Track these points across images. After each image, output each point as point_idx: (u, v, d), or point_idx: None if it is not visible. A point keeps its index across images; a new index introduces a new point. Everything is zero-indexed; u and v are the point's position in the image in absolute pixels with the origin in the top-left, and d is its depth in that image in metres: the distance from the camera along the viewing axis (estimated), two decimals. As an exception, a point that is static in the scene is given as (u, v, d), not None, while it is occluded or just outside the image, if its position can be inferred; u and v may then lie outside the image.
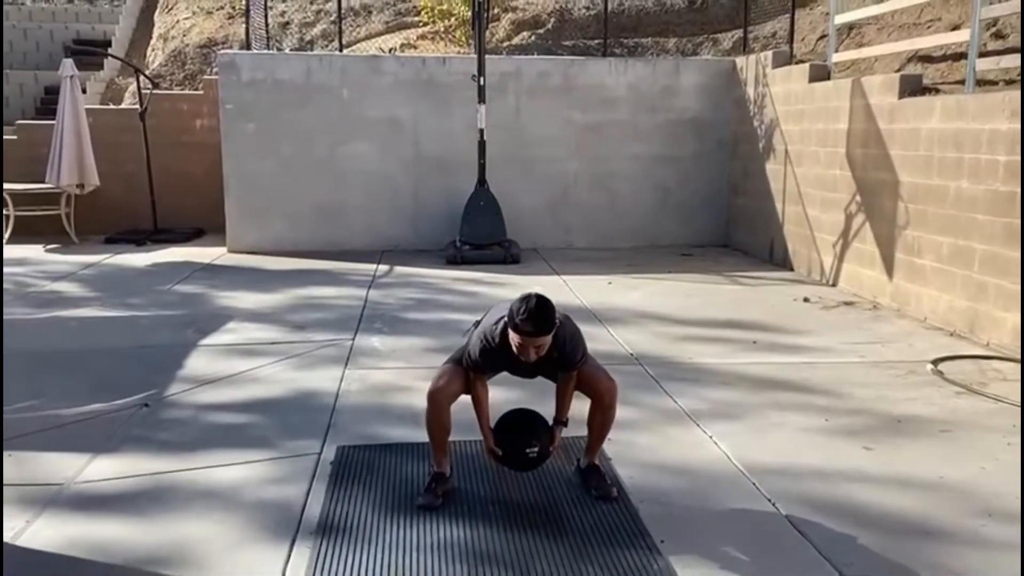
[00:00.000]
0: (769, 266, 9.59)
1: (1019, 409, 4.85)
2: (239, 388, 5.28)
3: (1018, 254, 5.90)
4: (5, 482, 3.92)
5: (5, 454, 4.22)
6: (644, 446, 4.36)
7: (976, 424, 4.64)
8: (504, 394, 5.00)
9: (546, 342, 3.41)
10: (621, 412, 4.78)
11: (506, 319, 3.44)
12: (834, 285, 8.35)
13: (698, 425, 4.64)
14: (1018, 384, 5.29)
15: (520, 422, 3.78)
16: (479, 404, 3.74)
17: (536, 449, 3.69)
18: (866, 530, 3.47)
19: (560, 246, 10.68)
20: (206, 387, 5.29)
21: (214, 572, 3.17)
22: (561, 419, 3.77)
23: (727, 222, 10.97)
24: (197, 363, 5.80)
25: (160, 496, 3.80)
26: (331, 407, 4.92)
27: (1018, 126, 5.93)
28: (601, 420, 3.79)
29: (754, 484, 3.89)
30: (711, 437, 4.47)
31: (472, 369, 3.66)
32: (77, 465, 4.11)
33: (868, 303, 7.60)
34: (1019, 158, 5.88)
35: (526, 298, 3.38)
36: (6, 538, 3.43)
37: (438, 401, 3.66)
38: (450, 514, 3.59)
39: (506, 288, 7.84)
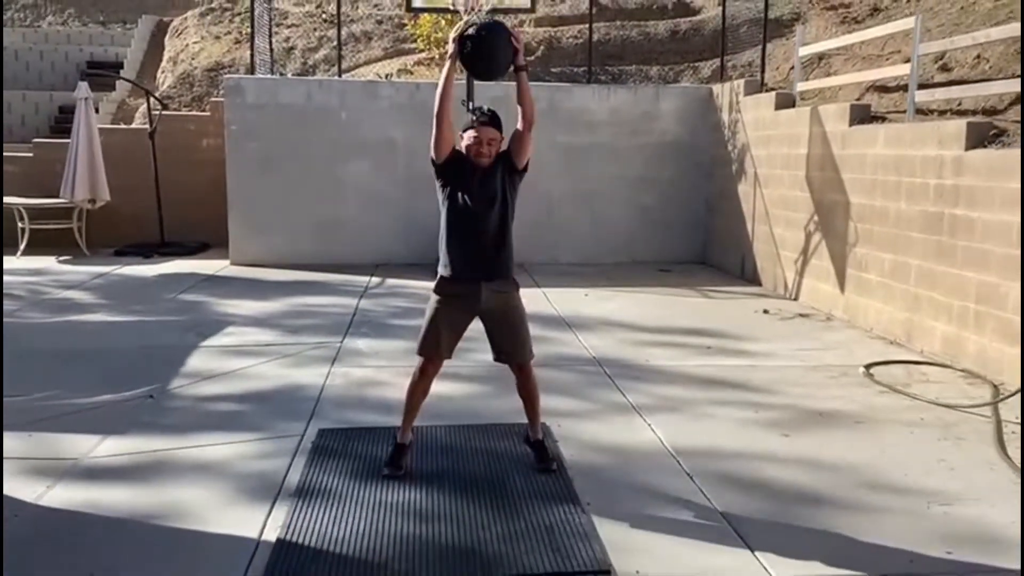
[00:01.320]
0: (740, 281, 10.18)
1: (931, 405, 5.43)
2: (234, 382, 5.89)
3: (945, 268, 6.49)
4: (28, 456, 4.53)
5: (27, 435, 4.83)
6: (588, 431, 4.95)
7: (888, 419, 5.22)
8: (471, 388, 5.63)
9: (497, 139, 4.15)
10: (573, 403, 5.44)
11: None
12: (796, 299, 8.94)
13: (640, 415, 5.23)
14: (938, 385, 5.88)
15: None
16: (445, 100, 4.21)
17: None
18: (767, 499, 4.05)
19: (546, 262, 11.27)
20: (205, 381, 5.90)
21: (204, 524, 3.77)
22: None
23: (704, 240, 11.59)
24: (198, 361, 6.41)
25: (161, 468, 4.40)
26: (316, 398, 5.52)
27: (945, 152, 6.53)
28: (528, 391, 4.39)
29: (678, 462, 4.48)
30: (649, 425, 5.05)
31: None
32: (90, 444, 4.71)
33: (823, 315, 8.19)
34: (950, 182, 6.48)
35: (479, 106, 4.24)
36: (29, 499, 4.03)
37: (428, 373, 4.29)
38: (411, 481, 4.19)
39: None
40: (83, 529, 3.73)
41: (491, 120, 4.16)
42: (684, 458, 4.53)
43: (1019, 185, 5.76)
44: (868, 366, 6.30)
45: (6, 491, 4.08)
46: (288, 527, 3.71)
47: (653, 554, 3.52)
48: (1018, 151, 5.88)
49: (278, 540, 3.60)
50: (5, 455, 4.49)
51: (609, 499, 4.02)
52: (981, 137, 6.40)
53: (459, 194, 4.19)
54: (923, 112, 7.69)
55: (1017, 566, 3.42)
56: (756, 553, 3.52)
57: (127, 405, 5.39)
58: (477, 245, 4.19)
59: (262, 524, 3.76)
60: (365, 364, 6.35)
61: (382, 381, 5.88)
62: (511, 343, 4.30)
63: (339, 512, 3.86)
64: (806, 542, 3.63)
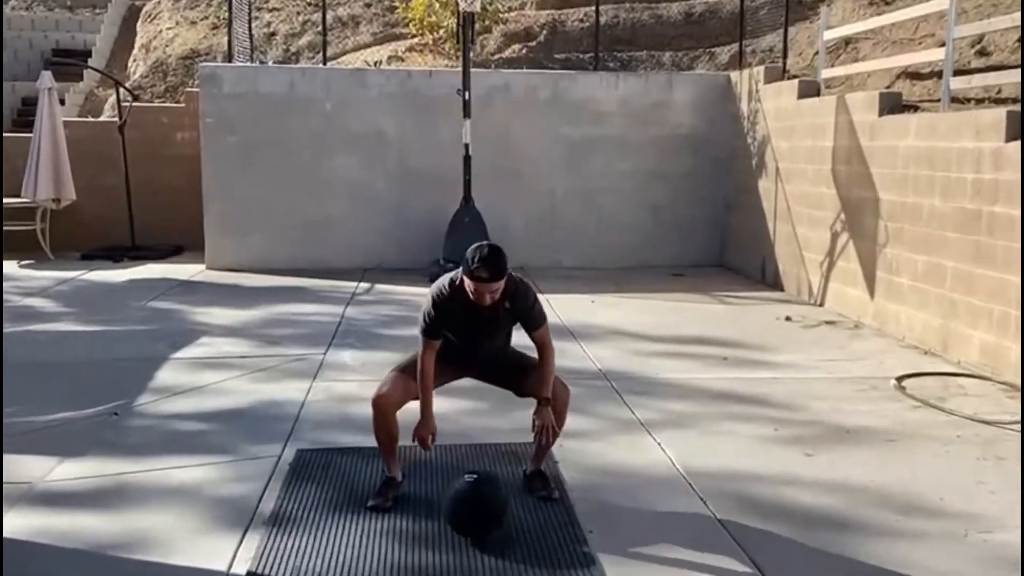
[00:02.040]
0: (761, 286, 10.13)
1: (968, 421, 5.37)
2: (207, 398, 5.84)
3: (984, 271, 6.43)
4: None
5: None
6: (592, 451, 4.90)
7: (921, 435, 5.16)
8: (463, 403, 5.57)
9: (500, 287, 3.88)
10: (576, 421, 5.35)
11: (460, 271, 3.93)
12: (821, 305, 8.88)
13: (649, 433, 5.18)
14: (976, 399, 5.82)
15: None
16: (427, 381, 4.07)
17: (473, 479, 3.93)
18: (787, 525, 4.00)
19: (548, 265, 11.21)
20: (174, 397, 5.86)
21: (171, 555, 3.72)
22: (544, 396, 4.11)
23: (721, 241, 11.54)
24: (167, 375, 6.36)
25: (123, 493, 4.35)
26: (295, 415, 5.47)
27: (983, 144, 6.48)
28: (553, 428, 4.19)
29: (690, 484, 4.43)
30: (659, 444, 5.00)
31: (427, 332, 4.01)
32: (46, 467, 4.66)
33: (851, 322, 8.13)
34: (988, 176, 6.42)
35: (479, 247, 3.88)
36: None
37: (382, 408, 4.16)
38: (397, 508, 4.13)
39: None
40: (37, 561, 3.68)
41: (490, 271, 3.82)
42: (696, 480, 4.47)
43: (1064, 180, 5.71)
44: (900, 378, 6.24)
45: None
46: (260, 559, 3.65)
47: (661, 587, 3.47)
48: (1063, 142, 5.83)
49: (248, 573, 3.54)
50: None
51: (614, 526, 3.97)
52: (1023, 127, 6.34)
53: (460, 331, 4.12)
54: (959, 101, 7.63)
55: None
56: (775, 586, 3.47)
57: (89, 423, 5.34)
58: (476, 352, 4.26)
59: (232, 555, 3.70)
60: (350, 378, 6.30)
61: (368, 397, 5.78)
62: (528, 377, 4.21)
63: (316, 542, 3.81)
64: (830, 574, 3.57)
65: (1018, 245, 6.09)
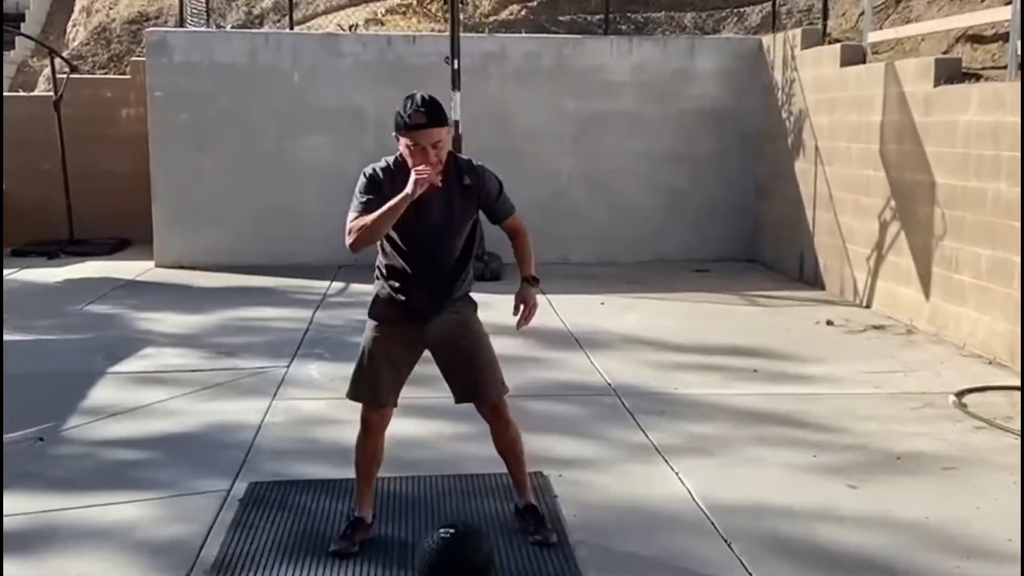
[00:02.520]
0: (798, 284, 10.01)
1: (1041, 445, 5.25)
2: (148, 421, 5.73)
3: (1059, 268, 6.31)
4: None
5: None
6: (598, 483, 4.77)
7: (985, 461, 5.04)
8: (445, 427, 5.43)
9: (443, 136, 3.75)
10: (579, 446, 5.29)
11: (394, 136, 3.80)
12: (868, 306, 8.76)
13: (666, 461, 5.05)
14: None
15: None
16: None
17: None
18: (827, 572, 3.86)
19: (552, 260, 11.02)
20: (110, 419, 5.75)
21: (96, 612, 3.60)
22: (527, 275, 4.05)
23: (751, 232, 11.41)
24: (103, 393, 6.25)
25: (47, 536, 4.22)
26: (249, 442, 5.35)
27: (1058, 119, 6.35)
28: (507, 443, 4.11)
29: (712, 523, 4.30)
30: (677, 474, 4.87)
31: (364, 207, 3.79)
32: (-44, 503, 4.54)
33: (902, 327, 8.01)
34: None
35: (410, 96, 3.76)
36: None
37: (373, 424, 4.05)
38: (365, 557, 3.99)
39: (483, 310, 8.25)
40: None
41: (429, 114, 3.70)
42: (720, 517, 4.34)
43: None
44: (960, 393, 6.11)
45: None
46: (200, 616, 3.53)
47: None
48: None
49: (186, 634, 3.43)
50: None
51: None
52: (1104, 98, 6.22)
53: (406, 222, 3.85)
54: (1028, 67, 7.49)
55: None
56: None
57: (10, 450, 5.22)
58: (426, 279, 3.98)
59: (168, 612, 3.59)
60: (317, 396, 6.18)
61: (338, 419, 5.67)
62: (472, 377, 4.03)
63: (268, 595, 3.69)
64: (878, 632, 3.45)
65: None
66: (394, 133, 3.83)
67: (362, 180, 3.89)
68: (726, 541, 4.13)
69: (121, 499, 4.59)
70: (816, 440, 5.37)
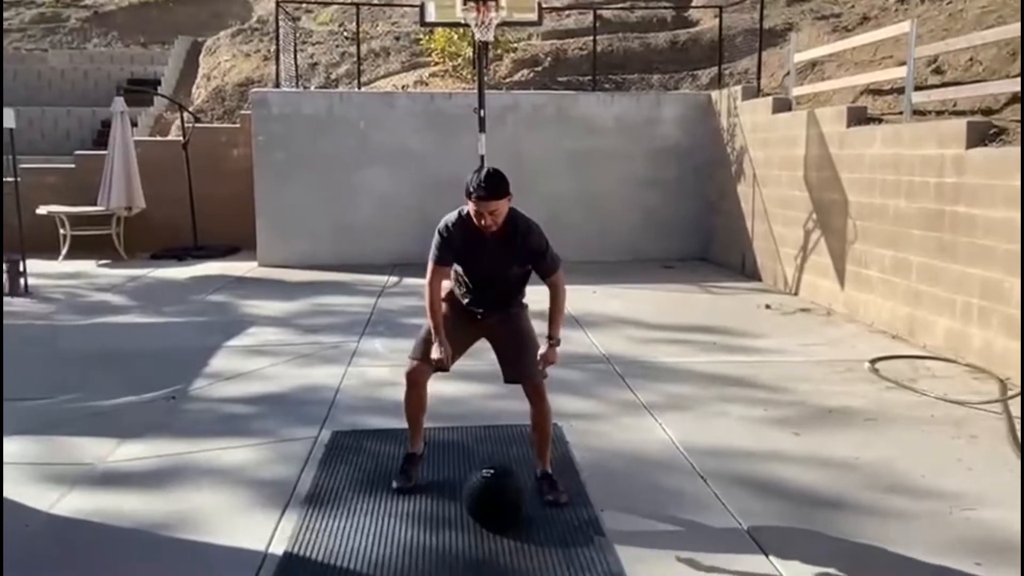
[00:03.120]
0: (741, 277, 9.71)
1: (940, 401, 4.98)
2: (253, 383, 5.49)
3: (947, 264, 6.03)
4: (43, 462, 4.15)
5: (46, 439, 4.45)
6: (600, 432, 4.53)
7: (898, 415, 4.78)
8: (481, 388, 5.19)
9: (500, 208, 3.46)
10: (584, 403, 5.02)
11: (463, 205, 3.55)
12: (795, 294, 8.48)
13: (651, 414, 4.81)
14: (944, 380, 5.42)
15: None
16: (435, 306, 3.66)
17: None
18: (782, 502, 3.63)
19: (554, 261, 10.82)
20: (225, 382, 5.51)
21: (214, 534, 3.37)
22: (554, 336, 3.64)
23: (705, 238, 11.10)
24: (219, 362, 6.01)
25: (175, 474, 4.01)
26: (331, 400, 5.11)
27: (945, 151, 6.07)
28: (542, 418, 3.76)
29: (691, 464, 4.05)
30: (661, 424, 4.63)
31: (436, 259, 3.62)
32: (107, 448, 4.32)
33: (823, 310, 7.73)
34: (951, 180, 6.02)
35: (478, 170, 3.50)
36: (43, 507, 3.64)
37: (412, 379, 3.76)
38: (422, 489, 3.77)
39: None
40: (92, 541, 3.35)
41: (488, 190, 3.43)
42: (697, 459, 4.10)
43: (1019, 183, 5.29)
44: (873, 361, 5.84)
45: (21, 498, 3.70)
46: (296, 539, 3.30)
47: (669, 563, 3.10)
48: (1018, 149, 5.42)
49: (285, 554, 3.20)
50: (23, 460, 4.12)
51: (623, 505, 3.60)
52: (981, 136, 5.93)
53: (470, 262, 3.67)
54: (919, 113, 7.21)
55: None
56: (775, 561, 3.10)
57: (148, 407, 5.00)
58: (486, 297, 3.75)
59: (270, 535, 3.36)
60: (381, 364, 5.94)
61: (397, 381, 5.37)
62: (521, 361, 3.72)
63: (348, 523, 3.46)
64: (827, 550, 3.21)
65: (980, 242, 5.68)
66: (465, 195, 3.54)
67: (437, 237, 3.64)
68: (702, 477, 3.89)
69: (233, 444, 4.37)
70: (765, 398, 5.11)
